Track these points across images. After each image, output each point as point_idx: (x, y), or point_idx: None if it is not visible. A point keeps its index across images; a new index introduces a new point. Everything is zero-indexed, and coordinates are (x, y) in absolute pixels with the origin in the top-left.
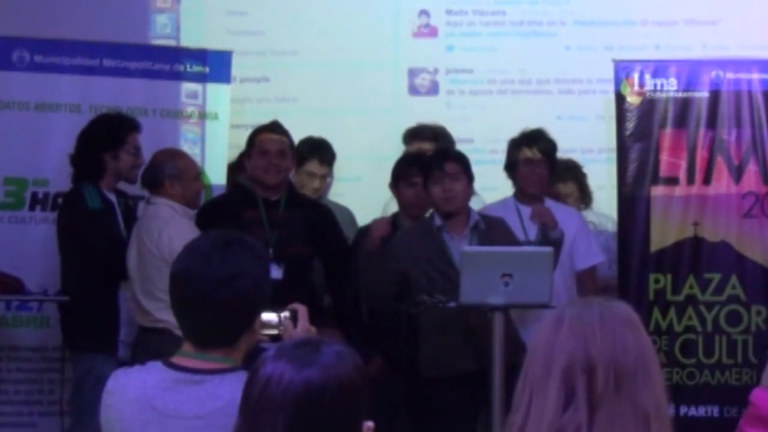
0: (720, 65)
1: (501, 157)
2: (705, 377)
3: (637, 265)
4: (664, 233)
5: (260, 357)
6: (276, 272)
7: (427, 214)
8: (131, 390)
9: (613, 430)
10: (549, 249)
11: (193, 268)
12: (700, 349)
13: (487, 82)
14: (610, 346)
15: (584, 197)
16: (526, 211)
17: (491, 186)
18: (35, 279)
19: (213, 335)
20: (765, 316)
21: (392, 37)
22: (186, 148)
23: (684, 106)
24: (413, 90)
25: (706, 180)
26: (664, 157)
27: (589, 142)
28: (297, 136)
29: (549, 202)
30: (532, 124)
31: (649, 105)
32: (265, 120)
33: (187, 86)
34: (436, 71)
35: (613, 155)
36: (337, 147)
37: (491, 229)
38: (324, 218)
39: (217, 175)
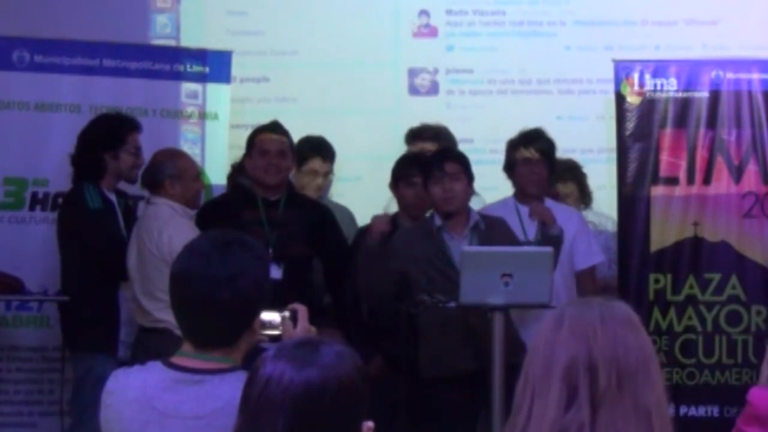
0: (720, 65)
1: (501, 157)
2: (705, 377)
3: (637, 265)
4: (664, 233)
5: (260, 357)
6: (276, 272)
7: (427, 214)
8: (131, 390)
9: (615, 429)
10: (549, 249)
11: (193, 268)
12: (700, 349)
13: (487, 82)
14: (611, 346)
15: (584, 197)
16: (525, 211)
17: (491, 186)
18: (35, 279)
19: (213, 335)
20: (765, 316)
21: (392, 37)
22: (186, 148)
23: (684, 106)
24: (413, 90)
25: (706, 180)
26: (664, 157)
27: (589, 142)
28: (297, 136)
29: (549, 202)
30: (532, 124)
31: (649, 105)
32: (265, 120)
33: (187, 86)
34: (436, 71)
35: (613, 155)
36: (337, 147)
37: (491, 229)
38: (324, 218)
39: (217, 175)
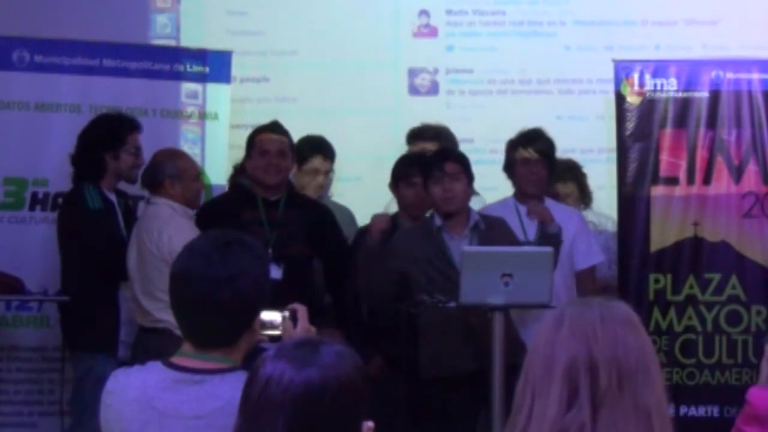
0: (720, 65)
1: (501, 157)
2: (705, 377)
3: (637, 265)
4: (664, 233)
5: (260, 357)
6: (276, 272)
7: (427, 214)
8: (131, 390)
9: (616, 429)
10: (549, 249)
11: (193, 268)
12: (700, 349)
13: (487, 82)
14: (611, 346)
15: (584, 197)
16: (525, 211)
17: (491, 186)
18: (35, 279)
19: (213, 335)
20: (765, 316)
21: (392, 37)
22: (186, 148)
23: (684, 106)
24: (413, 90)
25: (706, 180)
26: (664, 157)
27: (589, 142)
28: (297, 136)
29: (549, 202)
30: (532, 124)
31: (649, 105)
32: (265, 120)
33: (187, 86)
34: (436, 71)
35: (613, 155)
36: (337, 147)
37: (491, 229)
38: (324, 218)
39: (217, 175)
